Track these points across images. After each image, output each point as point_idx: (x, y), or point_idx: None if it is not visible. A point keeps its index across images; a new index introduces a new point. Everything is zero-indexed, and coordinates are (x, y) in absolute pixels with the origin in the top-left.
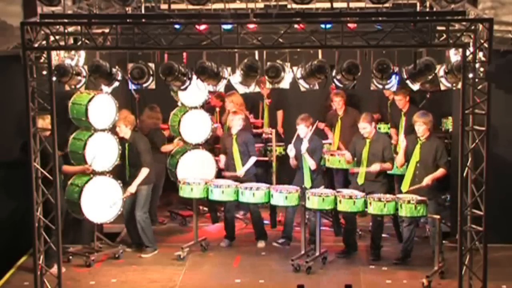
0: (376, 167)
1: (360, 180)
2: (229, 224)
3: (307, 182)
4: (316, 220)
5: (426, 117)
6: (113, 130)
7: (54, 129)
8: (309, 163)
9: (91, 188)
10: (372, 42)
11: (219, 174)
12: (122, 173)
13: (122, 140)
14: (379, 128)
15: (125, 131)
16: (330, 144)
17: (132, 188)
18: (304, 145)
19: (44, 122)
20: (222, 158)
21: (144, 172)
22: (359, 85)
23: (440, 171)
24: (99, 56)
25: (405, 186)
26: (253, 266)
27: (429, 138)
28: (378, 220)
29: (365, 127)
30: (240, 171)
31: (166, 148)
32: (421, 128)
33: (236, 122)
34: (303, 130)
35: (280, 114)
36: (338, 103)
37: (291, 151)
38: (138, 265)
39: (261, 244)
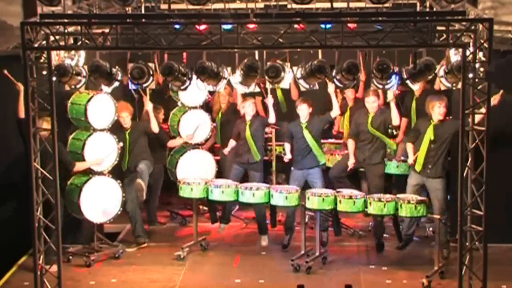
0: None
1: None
2: (226, 208)
3: (321, 157)
4: (316, 220)
5: (443, 98)
6: (111, 129)
7: (54, 129)
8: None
9: (90, 188)
10: (372, 42)
11: (219, 174)
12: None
13: (121, 129)
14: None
15: (128, 121)
16: (332, 144)
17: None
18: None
19: (45, 123)
20: (232, 142)
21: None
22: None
23: None
24: (99, 56)
25: (418, 166)
26: (253, 266)
27: (443, 120)
28: (378, 220)
29: (374, 101)
30: (270, 118)
31: (173, 143)
32: (442, 110)
33: (248, 109)
34: (306, 111)
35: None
36: (349, 96)
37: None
38: (138, 265)
39: (264, 242)
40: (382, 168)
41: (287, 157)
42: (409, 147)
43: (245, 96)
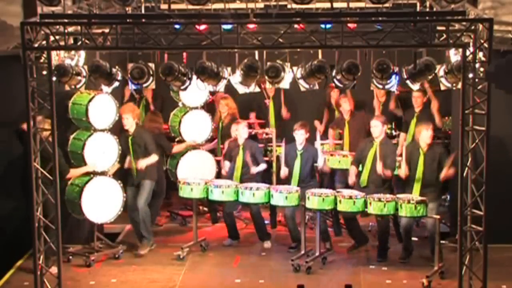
0: (379, 167)
1: (363, 183)
2: (230, 226)
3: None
4: (316, 220)
5: (429, 124)
6: (112, 130)
7: (54, 129)
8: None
9: (91, 188)
10: (372, 42)
11: (219, 175)
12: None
13: (124, 133)
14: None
15: (132, 123)
16: (337, 144)
17: (142, 163)
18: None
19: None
20: (227, 164)
21: (154, 157)
22: (359, 85)
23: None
24: (99, 56)
25: (416, 192)
26: (253, 266)
27: (431, 146)
28: (382, 221)
29: (377, 125)
30: (253, 169)
31: (178, 148)
32: (429, 134)
33: (241, 132)
34: (302, 136)
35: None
36: (345, 108)
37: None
38: (138, 265)
39: (267, 244)
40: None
41: (285, 173)
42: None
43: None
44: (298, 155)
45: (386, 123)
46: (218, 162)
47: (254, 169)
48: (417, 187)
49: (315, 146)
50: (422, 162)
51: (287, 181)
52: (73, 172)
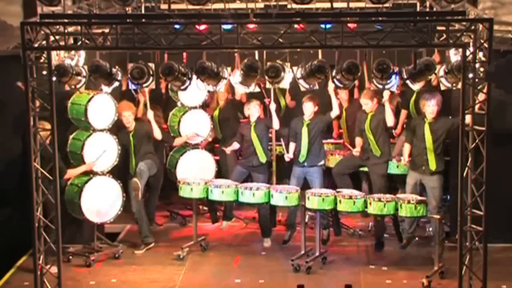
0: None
1: (376, 152)
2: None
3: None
4: (316, 220)
5: (437, 96)
6: (112, 129)
7: (54, 129)
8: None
9: (91, 188)
10: (372, 42)
11: (219, 174)
12: (126, 167)
13: (124, 130)
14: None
15: (131, 121)
16: (332, 144)
17: (149, 114)
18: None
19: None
20: (235, 145)
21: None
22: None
23: None
24: (99, 56)
25: (432, 166)
26: (253, 266)
27: (437, 118)
28: (378, 219)
29: (367, 103)
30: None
31: (178, 141)
32: (434, 108)
33: (253, 110)
34: (311, 109)
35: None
36: (342, 97)
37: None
38: (138, 265)
39: (267, 243)
40: (384, 167)
41: (288, 155)
42: (406, 147)
43: (249, 97)
44: (304, 125)
45: (375, 96)
46: (218, 162)
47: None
48: (431, 157)
49: None
50: (429, 132)
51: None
52: (71, 172)
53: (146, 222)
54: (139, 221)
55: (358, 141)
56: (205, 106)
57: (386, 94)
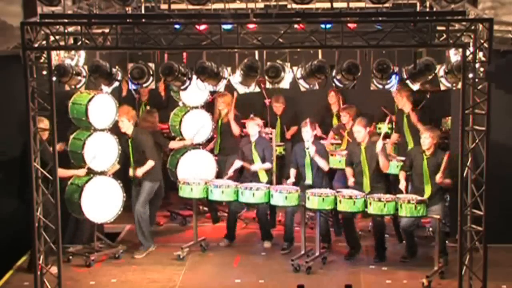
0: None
1: (366, 189)
2: (231, 226)
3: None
4: (316, 220)
5: (434, 131)
6: (112, 129)
7: (54, 129)
8: (321, 165)
9: (91, 188)
10: (372, 42)
11: (219, 174)
12: (126, 171)
13: (124, 135)
14: (379, 128)
15: (128, 126)
16: (332, 144)
17: (139, 172)
18: (312, 149)
19: (42, 124)
20: (237, 163)
21: (149, 164)
22: (359, 85)
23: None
24: (99, 56)
25: (427, 193)
26: (253, 266)
27: (434, 152)
28: (378, 220)
29: (360, 131)
30: (253, 166)
31: (174, 144)
32: (427, 141)
33: (250, 129)
34: (309, 133)
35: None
36: (346, 119)
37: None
38: (138, 265)
39: (267, 244)
40: None
41: (290, 181)
42: (402, 174)
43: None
44: (306, 153)
45: (368, 126)
46: (218, 162)
47: (254, 167)
48: (427, 189)
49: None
50: (426, 167)
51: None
52: (61, 173)
53: (148, 227)
54: (142, 225)
55: (349, 171)
56: (206, 106)
57: (379, 145)
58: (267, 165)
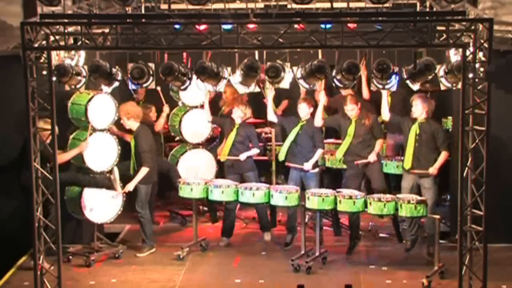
0: (372, 157)
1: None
2: (228, 222)
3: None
4: (316, 220)
5: (426, 101)
6: (112, 130)
7: (54, 129)
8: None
9: (91, 188)
10: (372, 42)
11: (219, 174)
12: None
13: (129, 132)
14: None
15: (129, 124)
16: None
17: (130, 186)
18: (308, 165)
19: (42, 123)
20: (254, 150)
21: (143, 171)
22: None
23: (444, 155)
24: (99, 56)
25: (407, 164)
26: (253, 266)
27: (427, 120)
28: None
29: (353, 109)
30: (241, 155)
31: (158, 125)
32: (418, 108)
33: (235, 113)
34: (304, 110)
35: (285, 103)
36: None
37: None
38: (138, 265)
39: (267, 237)
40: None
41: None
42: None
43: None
44: (298, 125)
45: (359, 102)
46: (218, 162)
47: (243, 155)
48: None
49: None
50: (417, 128)
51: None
52: (62, 157)
53: (150, 225)
54: (145, 226)
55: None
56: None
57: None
58: (255, 150)
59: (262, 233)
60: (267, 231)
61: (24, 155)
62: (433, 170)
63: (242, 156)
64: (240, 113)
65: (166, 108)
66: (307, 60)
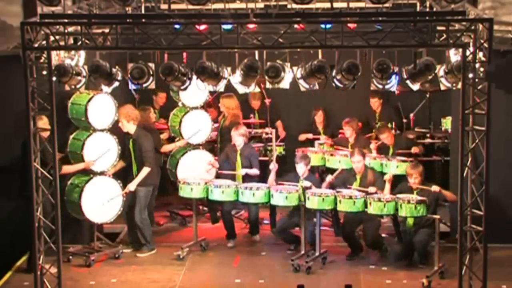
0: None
1: None
2: (228, 224)
3: None
4: (316, 220)
5: (418, 168)
6: (112, 130)
7: (54, 129)
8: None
9: (91, 188)
10: (372, 42)
11: (219, 174)
12: (130, 169)
13: (127, 135)
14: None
15: (128, 127)
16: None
17: (132, 186)
18: (306, 183)
19: (42, 122)
20: (221, 161)
21: (145, 171)
22: (359, 85)
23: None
24: (99, 56)
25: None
26: (253, 266)
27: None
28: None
29: (360, 160)
30: (241, 170)
31: (166, 148)
32: (416, 180)
33: (237, 138)
34: (302, 168)
35: (279, 124)
36: (349, 133)
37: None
38: (138, 265)
39: (256, 238)
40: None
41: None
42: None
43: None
44: (299, 186)
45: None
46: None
47: (243, 170)
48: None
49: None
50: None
51: None
52: (66, 169)
53: (149, 228)
54: (144, 230)
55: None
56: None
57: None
58: (254, 171)
59: (250, 235)
60: (256, 234)
61: (25, 168)
62: (436, 188)
63: (242, 171)
64: (241, 141)
65: (180, 142)
66: (307, 60)
